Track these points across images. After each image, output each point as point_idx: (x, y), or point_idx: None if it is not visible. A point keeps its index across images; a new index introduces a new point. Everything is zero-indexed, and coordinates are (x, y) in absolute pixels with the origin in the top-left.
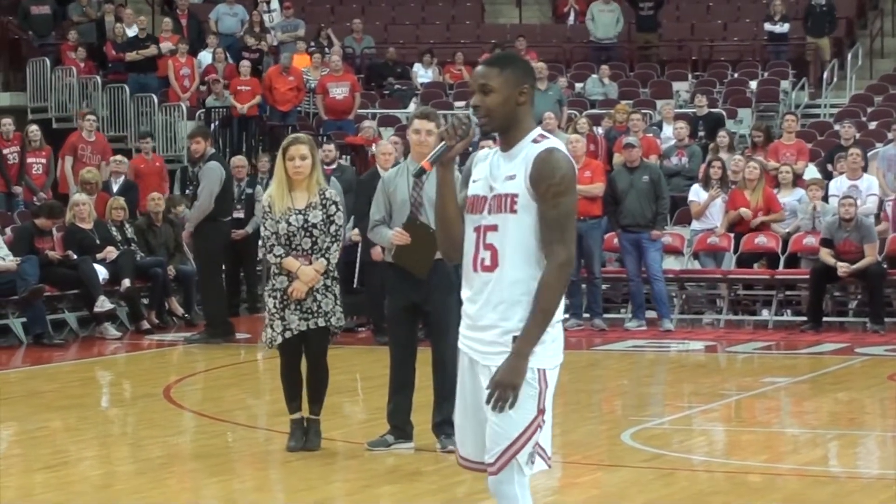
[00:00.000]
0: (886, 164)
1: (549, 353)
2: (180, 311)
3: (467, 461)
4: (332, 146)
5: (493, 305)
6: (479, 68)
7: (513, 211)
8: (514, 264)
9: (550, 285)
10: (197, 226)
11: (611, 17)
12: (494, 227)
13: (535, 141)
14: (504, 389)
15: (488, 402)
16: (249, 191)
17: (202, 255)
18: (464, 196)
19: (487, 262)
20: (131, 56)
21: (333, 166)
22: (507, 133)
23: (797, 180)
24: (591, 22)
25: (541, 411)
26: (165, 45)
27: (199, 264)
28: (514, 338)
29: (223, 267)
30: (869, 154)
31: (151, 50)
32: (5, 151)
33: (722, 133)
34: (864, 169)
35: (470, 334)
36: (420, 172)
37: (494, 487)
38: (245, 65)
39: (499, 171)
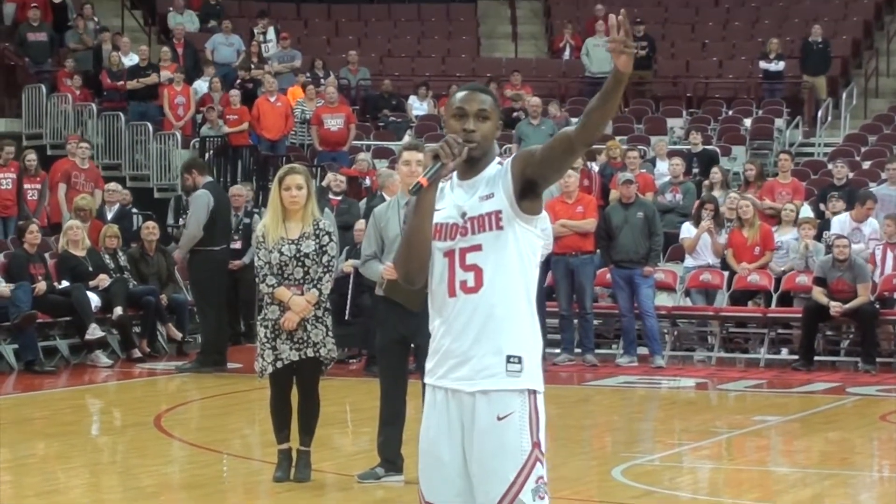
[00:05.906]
0: (881, 204)
1: (539, 375)
2: (178, 335)
3: None
4: (343, 178)
5: (479, 326)
6: (478, 95)
7: (499, 227)
8: (502, 280)
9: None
10: (190, 255)
11: (606, 53)
12: (478, 247)
13: (498, 163)
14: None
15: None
16: (247, 221)
17: (196, 283)
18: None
19: (471, 284)
20: (132, 84)
21: (340, 197)
22: (480, 160)
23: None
24: (585, 57)
25: (535, 444)
26: (164, 74)
27: (193, 293)
28: (508, 357)
29: (219, 296)
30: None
31: (153, 78)
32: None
33: (715, 170)
34: None
35: (450, 364)
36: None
37: None
38: (234, 94)
39: (467, 199)
